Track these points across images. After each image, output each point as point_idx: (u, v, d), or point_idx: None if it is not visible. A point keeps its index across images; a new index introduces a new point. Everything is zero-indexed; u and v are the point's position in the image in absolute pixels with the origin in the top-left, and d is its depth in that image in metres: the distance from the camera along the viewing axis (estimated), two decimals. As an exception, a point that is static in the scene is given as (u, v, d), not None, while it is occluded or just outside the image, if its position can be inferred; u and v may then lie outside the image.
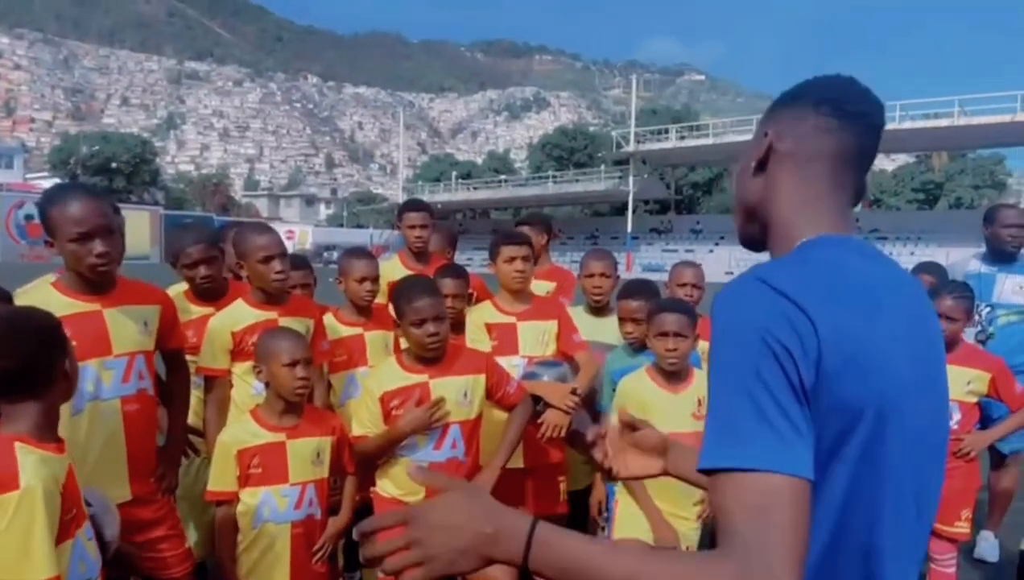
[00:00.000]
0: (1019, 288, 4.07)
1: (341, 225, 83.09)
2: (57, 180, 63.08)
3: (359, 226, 77.99)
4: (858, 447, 0.91)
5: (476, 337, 3.03)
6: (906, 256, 35.64)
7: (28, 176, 64.31)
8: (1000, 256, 4.12)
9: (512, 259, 3.00)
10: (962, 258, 4.41)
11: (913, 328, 1.00)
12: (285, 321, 2.74)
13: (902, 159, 75.67)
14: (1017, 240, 4.06)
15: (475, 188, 59.37)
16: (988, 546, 4.21)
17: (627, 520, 2.62)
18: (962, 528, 3.10)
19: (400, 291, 2.54)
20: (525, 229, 3.78)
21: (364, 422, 2.53)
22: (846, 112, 1.05)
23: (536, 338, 3.05)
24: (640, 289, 3.05)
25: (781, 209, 1.09)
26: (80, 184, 2.69)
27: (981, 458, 3.28)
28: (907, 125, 36.67)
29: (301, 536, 2.41)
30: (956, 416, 3.08)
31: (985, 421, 3.32)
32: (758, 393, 0.86)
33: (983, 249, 4.27)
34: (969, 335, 3.94)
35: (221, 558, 2.43)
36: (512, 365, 2.96)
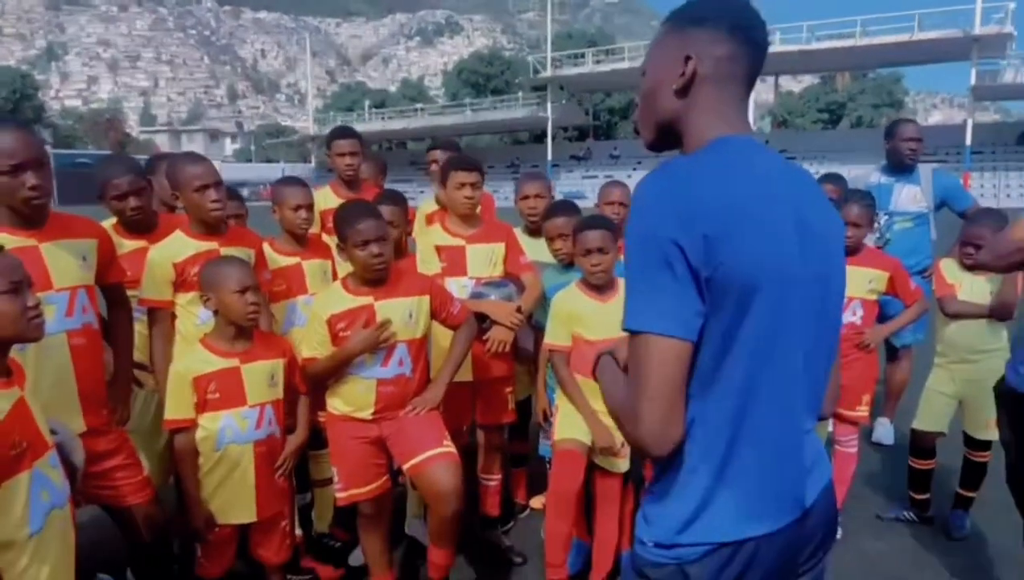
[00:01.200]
0: (914, 197, 4.44)
1: (250, 160, 79.63)
2: (-74, 119, 57.63)
3: (269, 161, 74.91)
4: (765, 303, 1.13)
5: (426, 259, 3.12)
6: (812, 174, 37.24)
7: None
8: (899, 168, 4.47)
9: (463, 185, 3.08)
10: (864, 172, 4.74)
11: (802, 212, 1.21)
12: (226, 251, 2.74)
13: (807, 80, 77.94)
14: (915, 153, 4.40)
15: (390, 117, 57.77)
16: (884, 431, 4.71)
17: (567, 422, 2.82)
18: (862, 412, 3.46)
19: (342, 215, 2.58)
20: (437, 152, 3.91)
21: (313, 345, 2.60)
22: (755, 40, 1.25)
23: (484, 260, 3.16)
24: (563, 208, 3.21)
25: (698, 123, 1.26)
26: (9, 118, 2.57)
27: (879, 351, 3.64)
28: (814, 45, 37.74)
29: (264, 454, 2.50)
30: (860, 312, 3.39)
31: (882, 318, 3.67)
32: (658, 275, 1.12)
33: (883, 162, 4.61)
34: (869, 240, 4.30)
35: (185, 483, 2.49)
36: (461, 285, 3.08)
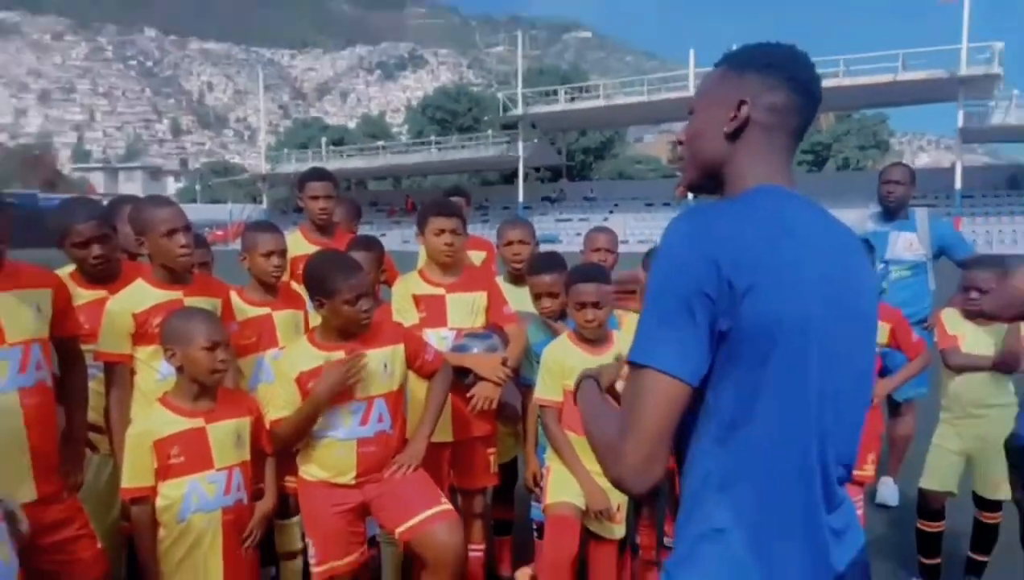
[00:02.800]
0: (909, 245, 4.63)
1: (195, 200, 79.15)
2: None
3: (216, 201, 74.58)
4: (784, 357, 1.20)
5: (403, 308, 3.16)
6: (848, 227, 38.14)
7: None
8: (891, 214, 4.67)
9: (441, 231, 3.13)
10: (856, 218, 4.94)
11: (834, 265, 1.29)
12: (191, 301, 2.75)
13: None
14: (892, 196, 4.63)
15: (349, 155, 58.10)
16: (889, 491, 4.80)
17: (560, 484, 2.85)
18: (868, 471, 3.55)
19: (325, 269, 2.62)
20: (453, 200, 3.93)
21: (280, 406, 2.62)
22: (810, 92, 1.34)
23: (465, 310, 3.21)
24: (550, 263, 3.26)
25: (741, 169, 1.35)
26: None
27: (882, 407, 3.75)
28: (796, 85, 39.05)
29: (232, 523, 2.48)
30: (860, 366, 3.50)
31: (883, 371, 3.79)
32: (671, 318, 1.19)
33: (877, 209, 4.82)
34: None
35: (142, 558, 2.44)
36: (441, 337, 3.12)
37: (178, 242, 2.73)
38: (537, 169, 54.88)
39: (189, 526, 2.41)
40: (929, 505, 3.65)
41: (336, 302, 2.55)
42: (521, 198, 45.80)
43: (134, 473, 2.41)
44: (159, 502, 2.42)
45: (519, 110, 45.41)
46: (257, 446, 2.64)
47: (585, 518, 2.83)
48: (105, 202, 3.40)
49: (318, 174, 3.87)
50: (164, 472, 2.40)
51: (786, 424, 1.22)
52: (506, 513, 3.76)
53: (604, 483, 2.79)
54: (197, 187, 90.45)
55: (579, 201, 47.99)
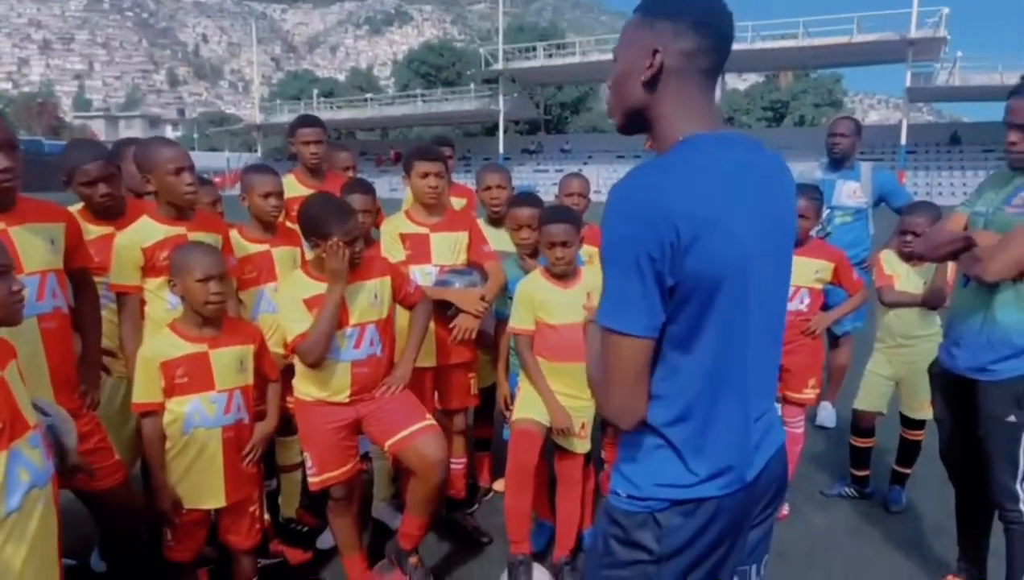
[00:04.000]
0: (853, 192, 4.69)
1: (193, 148, 77.39)
2: None
3: (213, 149, 72.97)
4: (726, 299, 1.27)
5: (390, 246, 3.18)
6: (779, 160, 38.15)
7: None
8: (837, 164, 4.72)
9: (426, 174, 3.14)
10: (806, 168, 4.98)
11: (763, 202, 1.34)
12: (194, 236, 2.75)
13: (752, 79, 79.77)
14: (838, 147, 4.67)
15: (339, 107, 56.90)
16: (827, 414, 4.97)
17: (526, 402, 2.92)
18: (808, 394, 3.66)
19: (325, 212, 2.60)
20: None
21: (295, 323, 2.60)
22: (720, 33, 1.33)
23: (448, 248, 3.23)
24: (528, 199, 3.32)
25: (664, 113, 1.35)
26: None
27: (824, 337, 3.85)
28: (758, 45, 38.65)
29: (232, 440, 2.53)
30: (807, 300, 3.59)
31: (825, 306, 3.88)
32: (628, 278, 1.24)
33: (824, 159, 4.86)
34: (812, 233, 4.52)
35: (151, 467, 2.50)
36: (425, 273, 3.15)
37: (184, 180, 2.71)
38: (516, 122, 54.17)
39: (192, 439, 2.46)
40: (861, 423, 3.80)
41: (333, 241, 2.56)
42: (501, 150, 45.30)
43: (143, 390, 2.44)
44: (166, 417, 2.46)
45: (499, 65, 44.59)
46: (261, 371, 2.67)
47: (553, 434, 2.91)
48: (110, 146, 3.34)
49: (309, 121, 3.82)
50: (170, 390, 2.44)
51: (721, 360, 1.30)
52: (486, 431, 3.87)
53: (568, 403, 2.88)
54: (194, 136, 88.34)
55: (556, 153, 47.58)
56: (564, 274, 2.90)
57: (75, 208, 2.88)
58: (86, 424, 2.44)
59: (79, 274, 2.58)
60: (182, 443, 2.47)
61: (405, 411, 2.70)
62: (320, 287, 2.62)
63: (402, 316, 3.01)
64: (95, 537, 3.01)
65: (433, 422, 2.74)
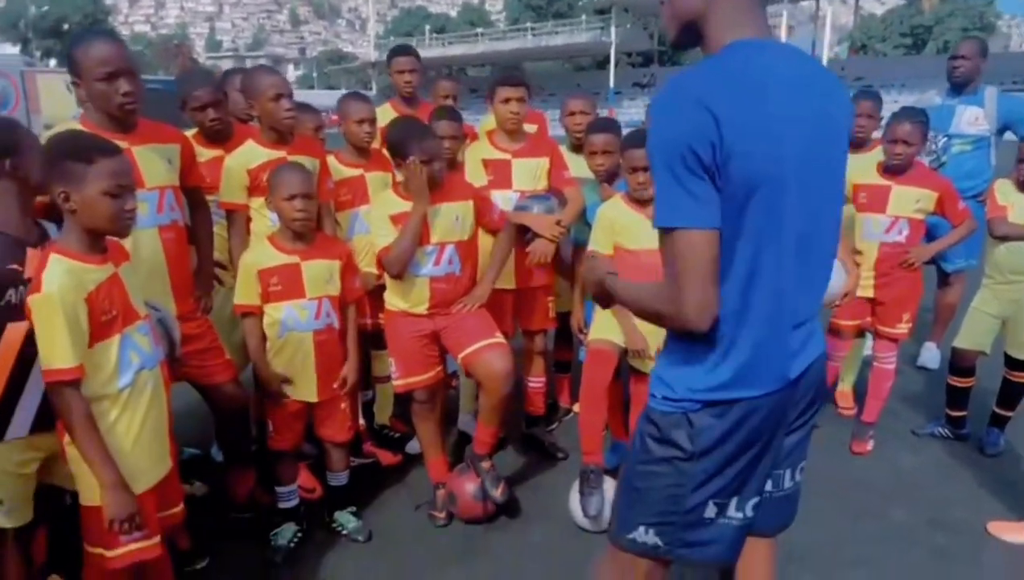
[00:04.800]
0: (974, 119, 4.33)
1: (312, 87, 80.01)
2: (8, 46, 59.52)
3: (331, 87, 75.07)
4: (763, 200, 1.29)
5: (474, 172, 3.29)
6: (889, 104, 35.21)
7: (-25, 41, 60.53)
8: (957, 89, 4.36)
9: (508, 100, 3.21)
10: (927, 96, 4.63)
11: (805, 112, 1.34)
12: (293, 159, 2.93)
13: (891, 2, 72.88)
14: (959, 71, 4.29)
15: (450, 43, 56.90)
16: (930, 355, 4.75)
17: (602, 324, 2.98)
18: (901, 329, 3.53)
19: (405, 133, 2.75)
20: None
21: (381, 237, 2.80)
22: None
23: (529, 173, 3.30)
24: (605, 125, 3.31)
25: (713, 22, 1.38)
26: (103, 30, 2.80)
27: (924, 272, 3.67)
28: (899, -36, 35.20)
29: (323, 343, 2.76)
30: (905, 231, 3.42)
31: (930, 239, 3.67)
32: (678, 175, 1.27)
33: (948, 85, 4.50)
34: (924, 161, 4.24)
35: (255, 360, 2.77)
36: (506, 198, 3.24)
37: (283, 106, 2.89)
38: (629, 55, 52.38)
39: (287, 341, 2.72)
40: (961, 362, 3.62)
41: (414, 159, 2.69)
42: (612, 83, 44.08)
43: (243, 293, 2.71)
44: (264, 320, 2.72)
45: (613, -6, 43.01)
46: (347, 287, 2.83)
47: (628, 356, 2.98)
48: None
49: (402, 50, 3.93)
50: (266, 297, 2.69)
51: (760, 264, 1.32)
52: (566, 354, 3.98)
53: (642, 326, 2.92)
54: (314, 75, 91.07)
55: (669, 86, 45.68)
56: (644, 199, 2.90)
57: (190, 132, 3.15)
58: (199, 326, 2.73)
59: (193, 192, 2.84)
60: (279, 344, 2.73)
61: (477, 328, 2.84)
62: (405, 205, 2.77)
63: (486, 240, 3.13)
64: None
65: (501, 339, 2.86)
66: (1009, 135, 4.33)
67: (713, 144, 1.23)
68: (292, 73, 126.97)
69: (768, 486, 1.54)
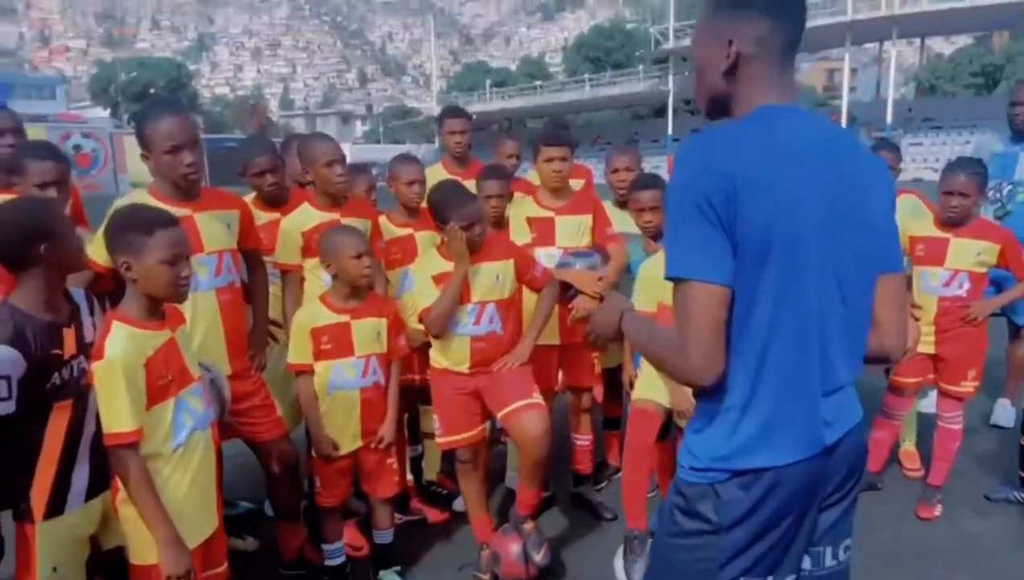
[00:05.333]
0: (1042, 166, 4.16)
1: (378, 141, 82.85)
2: (100, 109, 63.91)
3: (396, 142, 77.57)
4: (780, 260, 1.28)
5: (518, 229, 3.34)
6: (961, 145, 34.12)
7: (71, 106, 65.17)
8: (1019, 135, 4.21)
9: (551, 159, 3.27)
10: (985, 140, 4.48)
11: (828, 174, 1.33)
12: (347, 221, 3.05)
13: (961, 41, 71.15)
14: (1019, 117, 4.14)
15: (510, 96, 58.19)
16: (1004, 412, 4.49)
17: (647, 383, 2.94)
18: (967, 387, 3.36)
19: (446, 199, 2.83)
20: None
21: (424, 297, 2.87)
22: (789, 11, 1.38)
23: (572, 231, 3.34)
24: (651, 181, 3.30)
25: (742, 93, 1.41)
26: (169, 101, 3.01)
27: (994, 330, 3.50)
28: (967, 3, 34.44)
29: (369, 400, 2.83)
30: (966, 285, 3.29)
31: (999, 292, 3.52)
32: (692, 227, 1.27)
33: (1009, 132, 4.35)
34: (987, 212, 4.09)
35: (308, 418, 2.84)
36: (550, 255, 3.27)
37: (336, 172, 3.02)
38: (687, 102, 52.40)
39: (335, 399, 2.79)
40: (1034, 423, 3.42)
41: (454, 224, 2.76)
42: (671, 131, 44.15)
43: (296, 351, 2.80)
44: (315, 379, 2.79)
45: (670, 44, 43.39)
46: (393, 346, 2.89)
47: (674, 416, 2.93)
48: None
49: (454, 112, 4.07)
50: (317, 355, 2.77)
51: (781, 326, 1.30)
52: (615, 410, 3.93)
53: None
54: (380, 129, 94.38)
55: (728, 133, 45.43)
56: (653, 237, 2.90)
57: (249, 197, 3.31)
58: (253, 384, 2.83)
59: (251, 254, 2.98)
60: (328, 402, 2.80)
61: (516, 387, 2.85)
62: (448, 265, 2.83)
63: (530, 297, 3.16)
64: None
65: (539, 400, 2.85)
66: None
67: (728, 197, 1.24)
68: (360, 128, 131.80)
69: (807, 564, 1.48)
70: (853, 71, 57.29)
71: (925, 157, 31.98)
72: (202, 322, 2.64)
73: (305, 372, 2.80)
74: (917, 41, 47.72)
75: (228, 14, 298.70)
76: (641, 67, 50.79)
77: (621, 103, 54.54)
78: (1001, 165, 4.05)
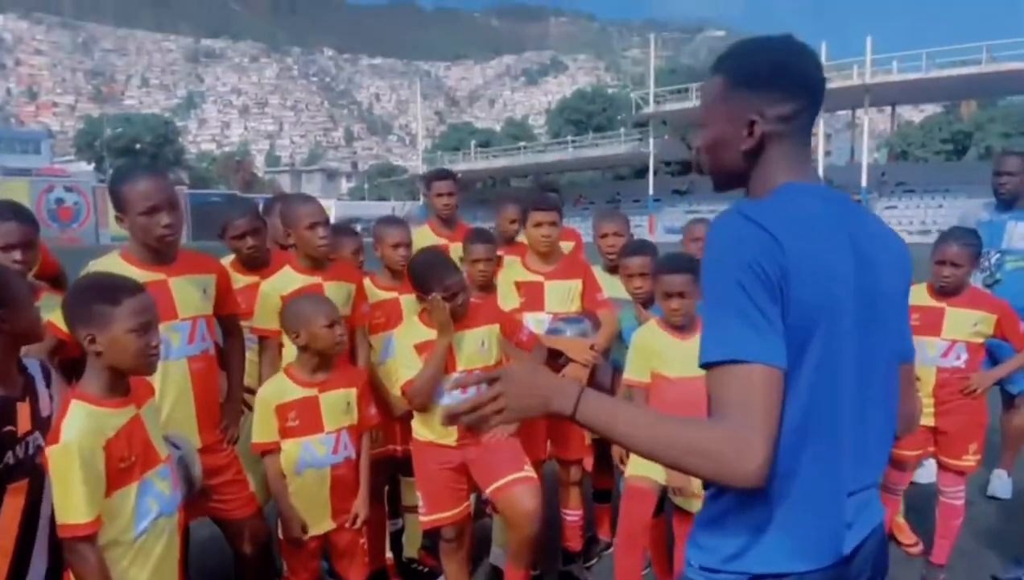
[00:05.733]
0: (1028, 234, 4.17)
1: (363, 198, 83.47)
2: (84, 164, 63.99)
3: (381, 199, 78.20)
4: (819, 350, 1.17)
5: (506, 294, 3.25)
6: (934, 209, 34.97)
7: (56, 160, 65.20)
8: (1006, 205, 4.23)
9: (540, 224, 3.21)
10: (970, 209, 4.50)
11: (857, 250, 1.25)
12: (329, 285, 2.95)
13: (930, 109, 73.83)
14: (1004, 187, 4.17)
15: (494, 156, 59.13)
16: (1001, 483, 4.38)
17: (640, 459, 2.81)
18: (969, 462, 3.26)
19: (428, 269, 2.73)
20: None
21: (406, 368, 2.74)
22: (814, 86, 1.30)
23: (562, 296, 3.25)
24: (641, 247, 3.24)
25: (764, 172, 1.32)
26: (145, 164, 2.92)
27: (990, 397, 3.42)
28: (934, 73, 35.81)
29: (340, 477, 2.67)
30: (964, 356, 3.22)
31: (994, 364, 3.45)
32: (742, 302, 1.13)
33: (993, 199, 4.37)
34: (978, 280, 4.07)
35: (277, 498, 2.66)
36: (538, 320, 3.18)
37: (318, 234, 2.92)
38: (667, 164, 53.56)
39: (305, 478, 2.62)
40: (1038, 498, 3.31)
41: (436, 293, 2.65)
42: (651, 191, 44.91)
43: (261, 430, 2.63)
44: (282, 457, 2.62)
45: (650, 108, 44.53)
46: (362, 416, 2.74)
47: (670, 494, 2.79)
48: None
49: (441, 174, 4.02)
50: (283, 432, 2.61)
51: (816, 416, 1.18)
52: (606, 482, 3.77)
53: None
54: (365, 186, 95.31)
55: (708, 194, 46.32)
56: (681, 325, 2.80)
57: (227, 260, 3.20)
58: (224, 458, 2.66)
59: (227, 319, 2.85)
60: (297, 482, 2.63)
61: (506, 460, 2.72)
62: (430, 334, 2.72)
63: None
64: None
65: (531, 473, 2.72)
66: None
67: (782, 266, 1.12)
68: (345, 185, 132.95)
69: None
70: (827, 136, 59.02)
71: (899, 220, 32.62)
72: (172, 392, 2.49)
73: (271, 451, 2.63)
74: (888, 109, 49.28)
75: (217, 73, 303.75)
76: (622, 130, 52.01)
77: (603, 164, 55.59)
78: (989, 234, 4.04)
